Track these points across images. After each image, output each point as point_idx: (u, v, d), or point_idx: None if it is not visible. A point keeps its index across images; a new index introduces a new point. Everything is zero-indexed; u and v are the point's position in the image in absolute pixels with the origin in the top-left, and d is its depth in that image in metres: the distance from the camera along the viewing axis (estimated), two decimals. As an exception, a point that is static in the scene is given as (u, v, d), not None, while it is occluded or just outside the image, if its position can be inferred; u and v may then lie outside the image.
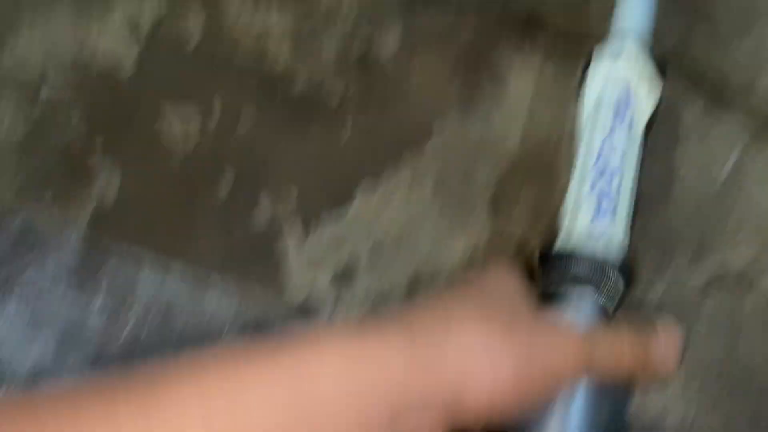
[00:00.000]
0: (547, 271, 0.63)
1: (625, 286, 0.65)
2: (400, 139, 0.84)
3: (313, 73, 0.85)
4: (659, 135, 0.82)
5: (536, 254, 0.63)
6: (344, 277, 0.80)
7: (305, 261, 0.78)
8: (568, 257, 0.65)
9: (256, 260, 0.75)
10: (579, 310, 0.56)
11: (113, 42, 0.77)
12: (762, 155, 0.86)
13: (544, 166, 0.84)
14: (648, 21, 0.77)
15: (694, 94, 0.87)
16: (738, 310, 0.77)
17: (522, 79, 0.86)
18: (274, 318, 0.73)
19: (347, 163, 0.81)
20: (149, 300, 0.62)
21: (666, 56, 0.76)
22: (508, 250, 0.78)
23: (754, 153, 0.85)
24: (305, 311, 0.75)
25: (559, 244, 0.66)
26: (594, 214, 0.69)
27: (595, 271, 0.62)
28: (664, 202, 0.81)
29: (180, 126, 0.81)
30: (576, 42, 0.82)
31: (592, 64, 0.76)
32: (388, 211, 0.83)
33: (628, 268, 0.65)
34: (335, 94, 0.85)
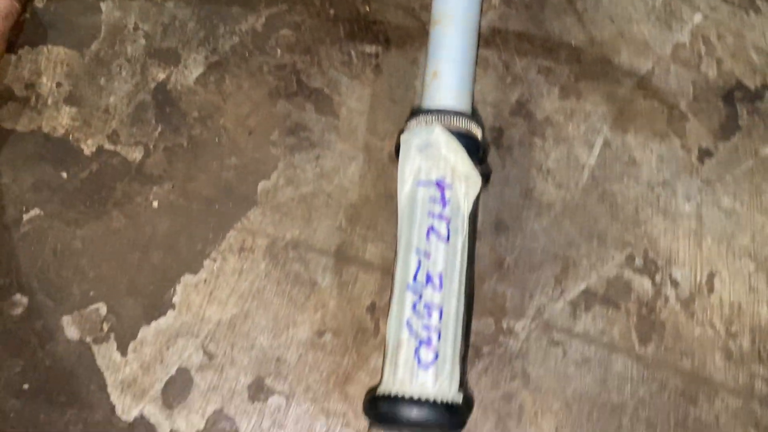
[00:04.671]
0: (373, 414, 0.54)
1: (459, 423, 0.55)
2: (220, 212, 0.77)
3: (104, 141, 0.73)
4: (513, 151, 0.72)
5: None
6: (177, 385, 0.72)
7: (125, 382, 0.71)
8: (392, 401, 0.54)
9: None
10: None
11: None
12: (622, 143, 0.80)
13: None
14: (463, 96, 0.62)
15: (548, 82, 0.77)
16: (608, 330, 0.74)
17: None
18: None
19: (162, 258, 0.75)
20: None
21: (486, 136, 0.65)
22: (356, 318, 0.69)
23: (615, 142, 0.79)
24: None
25: (383, 387, 0.55)
26: (414, 366, 0.56)
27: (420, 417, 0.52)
28: (521, 228, 0.72)
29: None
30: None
31: (402, 152, 0.61)
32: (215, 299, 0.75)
33: (457, 407, 0.55)
34: (135, 166, 0.78)
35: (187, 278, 0.73)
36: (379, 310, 0.73)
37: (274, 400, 0.71)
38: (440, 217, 0.55)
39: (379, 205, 0.75)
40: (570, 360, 0.72)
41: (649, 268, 0.75)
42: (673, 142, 0.79)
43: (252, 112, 0.77)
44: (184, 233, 0.74)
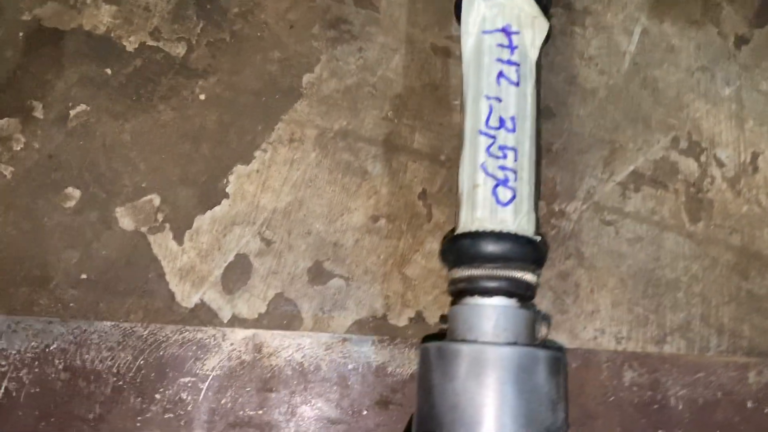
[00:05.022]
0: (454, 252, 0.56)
1: (539, 259, 0.54)
2: (266, 104, 0.75)
3: (146, 37, 0.72)
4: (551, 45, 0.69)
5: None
6: (236, 271, 0.72)
7: (184, 270, 0.71)
8: (472, 237, 0.53)
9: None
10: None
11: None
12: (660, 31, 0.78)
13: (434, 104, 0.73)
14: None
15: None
16: (658, 209, 0.74)
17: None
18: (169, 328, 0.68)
19: (212, 149, 0.73)
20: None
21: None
22: (409, 204, 0.68)
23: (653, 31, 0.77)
24: (197, 317, 0.65)
25: (462, 227, 0.54)
26: (492, 204, 0.55)
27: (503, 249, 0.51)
28: (567, 114, 0.70)
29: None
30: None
31: (465, 3, 0.59)
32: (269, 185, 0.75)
33: (537, 242, 0.54)
34: (179, 61, 0.76)
35: (240, 168, 0.72)
36: (430, 197, 0.72)
37: (334, 283, 0.71)
38: (509, 62, 0.55)
39: (424, 96, 0.74)
40: (623, 238, 0.72)
41: (694, 150, 0.75)
42: (710, 29, 0.78)
43: (292, 6, 0.75)
44: (234, 125, 0.73)
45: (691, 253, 0.72)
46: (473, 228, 0.52)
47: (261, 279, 0.70)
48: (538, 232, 0.58)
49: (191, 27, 0.75)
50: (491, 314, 0.52)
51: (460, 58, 0.64)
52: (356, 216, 0.72)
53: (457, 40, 0.68)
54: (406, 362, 0.68)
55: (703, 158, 0.74)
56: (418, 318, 0.69)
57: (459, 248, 0.53)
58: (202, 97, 0.74)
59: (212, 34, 0.75)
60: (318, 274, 0.70)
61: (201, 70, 0.74)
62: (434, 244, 0.72)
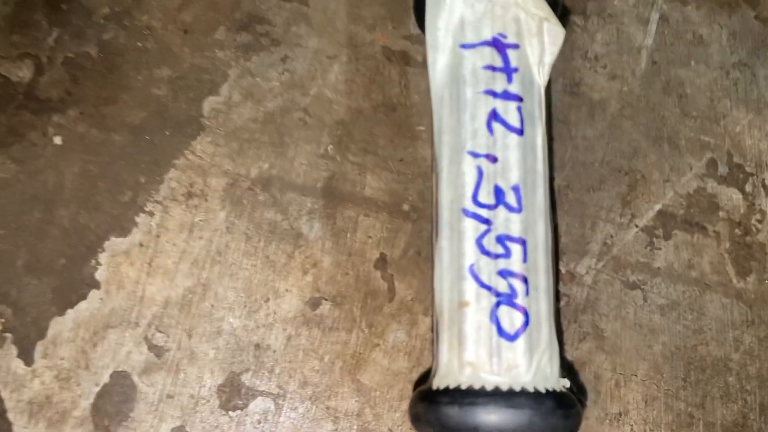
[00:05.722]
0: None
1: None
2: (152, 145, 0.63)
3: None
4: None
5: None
6: (114, 398, 0.59)
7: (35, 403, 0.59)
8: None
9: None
10: None
11: None
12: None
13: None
14: None
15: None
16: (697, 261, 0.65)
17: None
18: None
19: (74, 216, 0.61)
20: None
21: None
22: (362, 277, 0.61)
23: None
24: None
25: (440, 377, 0.34)
26: (492, 339, 0.31)
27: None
28: (570, 137, 0.67)
29: None
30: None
31: (429, 2, 0.37)
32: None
33: (568, 399, 0.35)
34: (22, 88, 0.62)
35: (114, 243, 0.60)
36: (392, 265, 0.60)
37: (259, 404, 0.58)
38: (506, 96, 0.35)
39: (376, 120, 0.63)
40: (653, 306, 0.62)
41: (736, 176, 0.65)
42: (745, 12, 0.69)
43: (186, 2, 0.64)
44: (105, 178, 0.61)
45: (741, 318, 0.62)
46: (462, 380, 0.34)
47: (150, 408, 0.57)
48: (562, 373, 0.40)
49: (40, 38, 0.63)
50: None
51: (424, 65, 0.54)
52: (288, 301, 0.60)
53: (419, 40, 0.61)
54: None
55: (748, 187, 0.65)
56: (385, 447, 0.61)
57: (439, 419, 0.34)
58: (58, 140, 0.61)
59: (71, 46, 0.63)
60: (234, 394, 0.58)
61: (56, 101, 0.62)
62: (400, 334, 0.60)
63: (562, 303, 0.60)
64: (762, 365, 0.61)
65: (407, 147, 0.63)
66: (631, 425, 0.59)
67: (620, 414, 0.60)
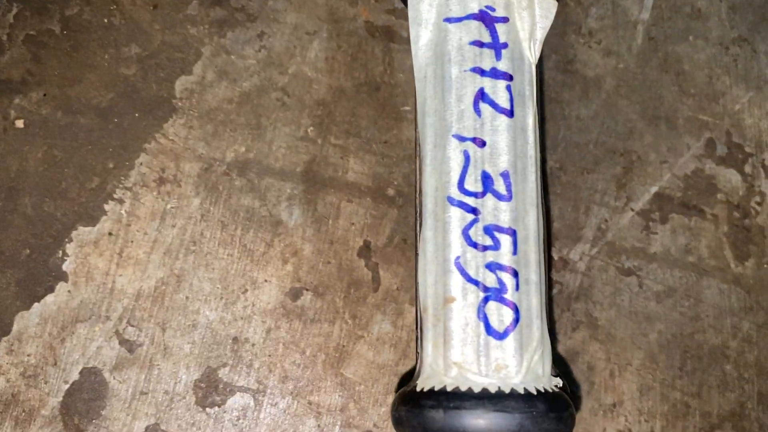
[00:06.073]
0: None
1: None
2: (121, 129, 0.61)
3: None
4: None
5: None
6: (84, 395, 0.57)
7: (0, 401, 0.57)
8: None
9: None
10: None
11: None
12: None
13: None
14: None
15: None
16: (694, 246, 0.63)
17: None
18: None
19: (38, 205, 0.59)
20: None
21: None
22: (345, 266, 0.59)
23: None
24: None
25: (424, 378, 0.32)
26: (480, 337, 0.29)
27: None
28: (564, 116, 0.66)
29: None
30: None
31: None
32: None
33: (562, 400, 0.32)
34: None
35: (82, 232, 0.57)
36: (376, 253, 0.58)
37: (237, 401, 0.56)
38: (494, 74, 0.32)
39: (359, 100, 0.61)
40: (649, 292, 0.60)
41: (735, 157, 0.63)
42: None
43: None
44: (71, 163, 0.58)
45: (739, 305, 0.60)
46: (447, 382, 0.31)
47: (123, 405, 0.54)
48: (554, 371, 0.37)
49: (-1, 14, 0.61)
50: None
51: (409, 42, 0.51)
52: (267, 292, 0.57)
53: (404, 15, 0.56)
54: None
55: (748, 168, 0.63)
56: (369, 443, 0.58)
57: (423, 423, 0.31)
58: (20, 123, 0.58)
59: (33, 23, 0.60)
60: (211, 390, 0.55)
61: (17, 82, 0.59)
62: (385, 325, 0.58)
63: (554, 291, 0.58)
64: (760, 353, 0.59)
65: (392, 128, 0.60)
66: (626, 416, 0.57)
67: (614, 405, 0.58)
